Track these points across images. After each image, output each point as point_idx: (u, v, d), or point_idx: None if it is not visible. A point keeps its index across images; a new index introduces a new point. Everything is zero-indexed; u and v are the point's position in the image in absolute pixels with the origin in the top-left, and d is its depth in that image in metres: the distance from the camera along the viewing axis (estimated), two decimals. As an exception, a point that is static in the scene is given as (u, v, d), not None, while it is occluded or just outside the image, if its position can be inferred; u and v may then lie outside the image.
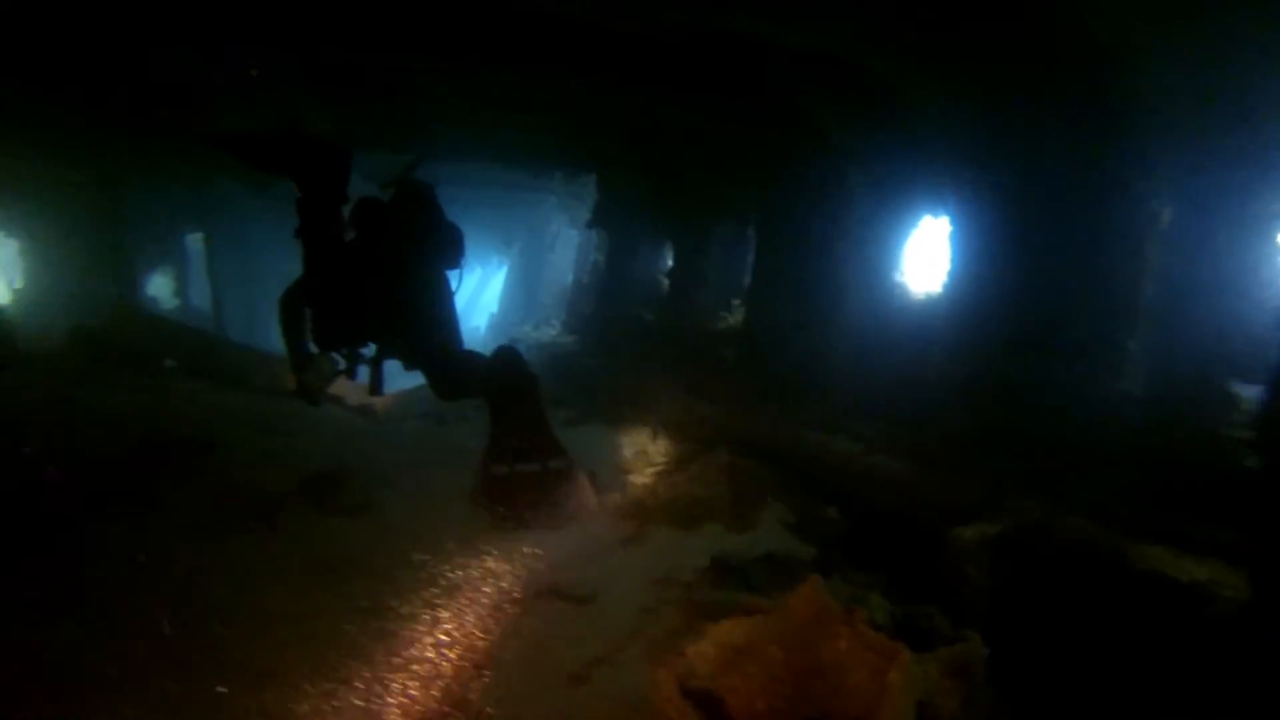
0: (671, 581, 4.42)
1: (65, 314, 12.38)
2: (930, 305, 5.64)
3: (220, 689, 3.05)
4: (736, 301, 8.31)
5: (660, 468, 6.35)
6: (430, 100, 8.48)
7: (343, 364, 5.52)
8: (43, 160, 11.57)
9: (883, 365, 5.55)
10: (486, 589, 4.30)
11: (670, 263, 8.97)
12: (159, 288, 16.56)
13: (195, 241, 15.90)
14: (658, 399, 7.35)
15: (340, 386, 7.03)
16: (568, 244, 16.74)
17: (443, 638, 3.68)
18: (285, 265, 18.22)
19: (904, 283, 5.88)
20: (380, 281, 5.30)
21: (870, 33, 4.53)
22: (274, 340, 17.01)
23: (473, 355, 5.91)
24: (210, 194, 14.33)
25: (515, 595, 4.23)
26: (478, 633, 3.78)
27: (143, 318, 10.07)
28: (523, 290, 18.81)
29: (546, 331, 13.87)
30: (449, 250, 5.54)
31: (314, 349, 5.42)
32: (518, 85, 7.31)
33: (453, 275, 5.68)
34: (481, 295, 29.23)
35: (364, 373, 5.69)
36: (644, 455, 6.67)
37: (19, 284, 14.84)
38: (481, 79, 7.18)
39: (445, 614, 3.92)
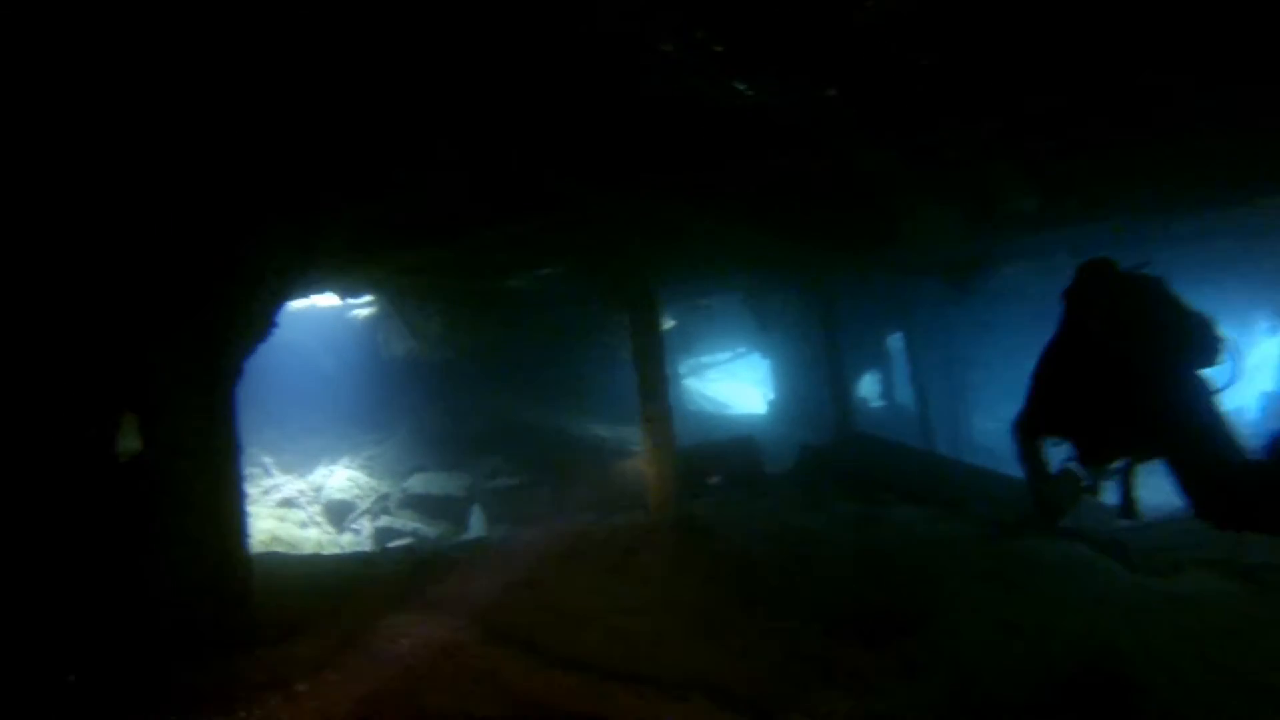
0: None
1: (800, 426, 13.69)
2: None
3: None
4: None
5: None
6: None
7: (1089, 479, 4.41)
8: (779, 286, 13.04)
9: None
10: None
11: None
12: (866, 388, 17.34)
13: (895, 341, 16.23)
14: None
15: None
16: None
17: None
18: (986, 354, 17.30)
19: None
20: (1129, 389, 4.17)
21: None
22: (980, 437, 15.97)
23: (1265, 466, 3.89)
24: (908, 295, 14.31)
25: None
26: None
27: (861, 437, 9.90)
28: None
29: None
30: (1201, 348, 4.11)
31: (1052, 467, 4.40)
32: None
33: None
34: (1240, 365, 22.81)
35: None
36: None
37: (771, 397, 17.45)
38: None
39: None
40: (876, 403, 17.21)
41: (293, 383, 13.82)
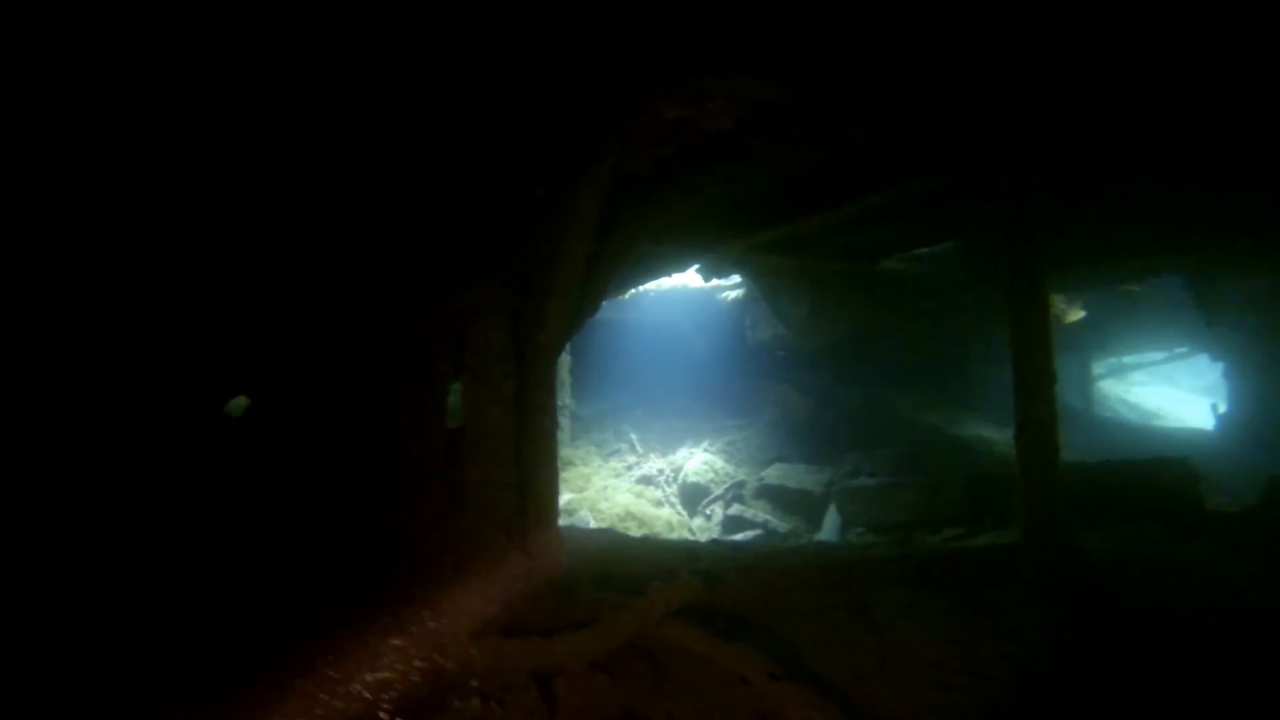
0: None
1: (1270, 452, 10.44)
2: None
3: None
4: None
5: None
6: None
7: None
8: (1257, 272, 10.07)
9: None
10: None
11: None
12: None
13: None
14: None
15: None
16: None
17: None
18: None
19: None
20: None
21: None
22: None
23: None
24: None
25: None
26: None
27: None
28: None
29: None
30: None
31: None
32: None
33: None
34: None
35: None
36: None
37: (1223, 410, 13.64)
38: None
39: None
40: None
41: (665, 362, 14.27)
